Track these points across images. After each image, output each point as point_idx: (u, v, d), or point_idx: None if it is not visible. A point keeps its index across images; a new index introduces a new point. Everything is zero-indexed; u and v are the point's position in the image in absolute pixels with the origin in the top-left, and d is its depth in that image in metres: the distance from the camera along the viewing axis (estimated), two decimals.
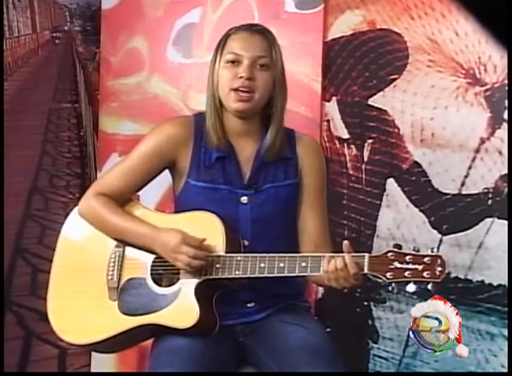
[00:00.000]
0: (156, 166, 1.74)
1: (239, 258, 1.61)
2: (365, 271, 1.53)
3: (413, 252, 1.53)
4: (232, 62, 1.69)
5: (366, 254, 1.54)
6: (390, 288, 1.53)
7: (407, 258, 1.52)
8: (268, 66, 1.70)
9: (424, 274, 1.50)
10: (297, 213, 1.78)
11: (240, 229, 1.70)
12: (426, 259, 1.51)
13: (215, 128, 1.72)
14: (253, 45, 1.70)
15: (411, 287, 1.52)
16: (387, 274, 1.52)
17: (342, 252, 1.55)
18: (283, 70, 1.75)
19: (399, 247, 1.54)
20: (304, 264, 1.57)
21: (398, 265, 1.52)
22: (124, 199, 1.76)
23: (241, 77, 1.67)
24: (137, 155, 1.74)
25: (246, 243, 1.70)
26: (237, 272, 1.61)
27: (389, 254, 1.53)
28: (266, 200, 1.73)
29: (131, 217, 1.72)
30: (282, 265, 1.59)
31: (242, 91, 1.68)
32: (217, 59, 1.72)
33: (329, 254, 1.56)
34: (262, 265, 1.60)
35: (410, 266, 1.51)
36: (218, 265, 1.62)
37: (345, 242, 1.55)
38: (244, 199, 1.72)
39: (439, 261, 1.51)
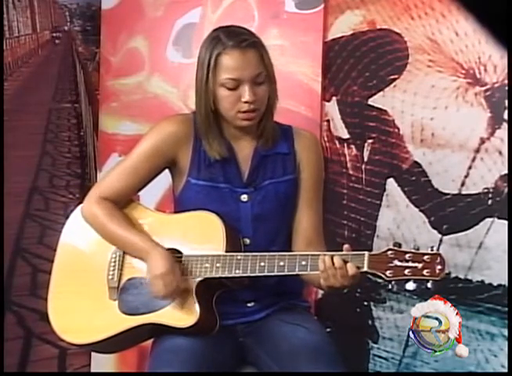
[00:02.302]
0: (157, 165, 1.74)
1: (239, 257, 1.61)
2: (365, 269, 1.54)
3: (413, 250, 1.53)
4: (232, 87, 1.64)
5: (366, 252, 1.55)
6: (390, 286, 1.54)
7: (407, 256, 1.52)
8: (265, 78, 1.68)
9: (424, 272, 1.51)
10: (294, 207, 1.77)
11: (241, 227, 1.71)
12: (425, 257, 1.52)
13: (213, 146, 1.70)
14: (249, 65, 1.64)
15: (410, 285, 1.52)
16: (387, 272, 1.52)
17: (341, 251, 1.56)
18: (272, 67, 1.71)
19: (399, 245, 1.55)
20: (304, 262, 1.58)
21: (398, 263, 1.52)
22: (126, 200, 1.76)
23: (246, 102, 1.64)
24: (137, 155, 1.74)
25: (248, 241, 1.70)
26: (237, 271, 1.61)
27: (389, 252, 1.53)
28: (266, 197, 1.73)
29: (131, 229, 1.71)
30: (282, 263, 1.59)
31: (248, 112, 1.66)
32: (209, 77, 1.66)
33: (330, 253, 1.57)
34: (262, 263, 1.60)
35: (410, 264, 1.52)
36: (218, 265, 1.62)
37: (346, 246, 1.56)
38: (244, 197, 1.72)
39: (439, 259, 1.51)
